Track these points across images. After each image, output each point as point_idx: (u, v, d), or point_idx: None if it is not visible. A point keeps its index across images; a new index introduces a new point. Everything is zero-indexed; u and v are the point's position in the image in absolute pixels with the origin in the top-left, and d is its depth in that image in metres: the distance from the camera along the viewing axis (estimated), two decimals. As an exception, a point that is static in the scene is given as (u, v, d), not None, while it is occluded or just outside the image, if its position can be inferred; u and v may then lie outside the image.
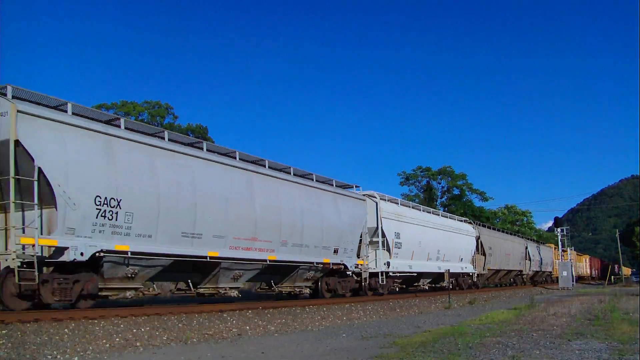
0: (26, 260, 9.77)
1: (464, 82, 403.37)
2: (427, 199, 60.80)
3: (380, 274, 20.75)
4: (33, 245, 9.82)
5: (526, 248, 43.51)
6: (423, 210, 26.62)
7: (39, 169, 10.02)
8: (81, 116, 11.41)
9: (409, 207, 25.36)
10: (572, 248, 54.24)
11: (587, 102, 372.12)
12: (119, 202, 11.28)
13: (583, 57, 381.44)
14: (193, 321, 11.04)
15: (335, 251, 18.14)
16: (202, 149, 14.16)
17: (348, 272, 19.22)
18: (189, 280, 14.27)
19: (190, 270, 13.91)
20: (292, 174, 17.12)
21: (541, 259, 47.85)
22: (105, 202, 11.05)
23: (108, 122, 11.92)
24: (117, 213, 11.24)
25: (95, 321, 9.88)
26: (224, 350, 8.25)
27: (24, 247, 9.80)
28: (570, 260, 45.71)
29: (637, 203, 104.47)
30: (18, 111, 9.87)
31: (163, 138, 13.12)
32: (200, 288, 14.39)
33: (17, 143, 9.84)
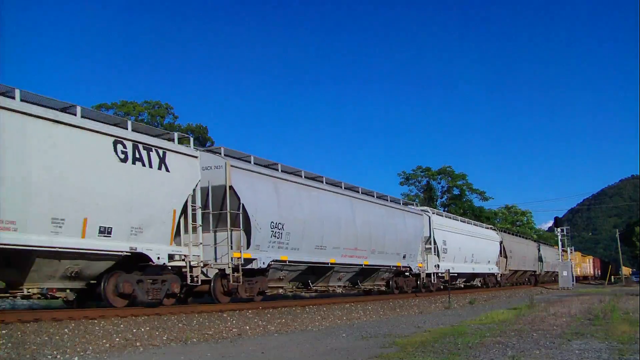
0: (232, 267, 13.91)
1: (464, 82, 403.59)
2: (427, 199, 60.82)
3: (432, 274, 25.61)
4: (238, 258, 14.07)
5: (539, 250, 47.59)
6: (460, 221, 31.80)
7: (242, 205, 14.27)
8: (258, 164, 16.18)
9: (451, 218, 30.46)
10: (573, 248, 54.37)
11: (587, 102, 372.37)
12: (283, 226, 15.66)
13: (583, 57, 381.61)
14: (193, 321, 11.04)
15: (404, 257, 22.85)
16: (322, 181, 18.76)
17: (408, 274, 24.01)
18: (309, 280, 18.37)
19: (311, 273, 18.08)
20: (375, 196, 22.01)
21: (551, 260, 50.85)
22: (275, 226, 15.43)
23: (268, 166, 16.59)
24: (281, 233, 15.64)
25: (95, 321, 9.89)
26: (224, 350, 8.26)
27: (232, 259, 13.99)
28: (570, 260, 45.75)
29: (637, 203, 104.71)
30: (231, 165, 14.28)
31: (300, 176, 17.67)
32: (315, 286, 18.82)
33: (230, 188, 14.11)
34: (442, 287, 26.58)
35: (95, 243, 10.70)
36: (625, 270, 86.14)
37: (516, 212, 75.80)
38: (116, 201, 11.19)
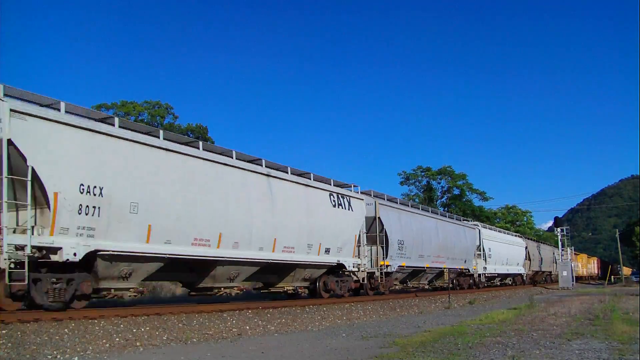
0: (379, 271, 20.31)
1: (464, 82, 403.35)
2: (427, 199, 60.80)
3: (479, 275, 33.00)
4: (382, 265, 20.96)
5: (553, 254, 53.83)
6: (498, 231, 40.19)
7: (385, 229, 21.37)
8: (390, 201, 23.58)
9: (494, 230, 39.28)
10: (573, 248, 54.55)
11: (587, 102, 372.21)
12: (403, 242, 22.52)
13: (583, 57, 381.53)
14: (193, 321, 11.04)
15: (465, 261, 30.15)
16: (418, 208, 26.77)
17: (465, 274, 31.18)
18: (407, 280, 25.19)
19: (412, 274, 24.83)
20: (447, 217, 30.18)
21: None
22: (400, 242, 22.22)
23: (392, 200, 23.70)
24: (402, 247, 22.32)
25: (95, 321, 9.89)
26: (224, 350, 8.25)
27: (380, 266, 21.02)
28: (570, 260, 45.79)
29: (637, 203, 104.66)
30: (379, 204, 21.46)
31: (407, 205, 25.83)
32: (409, 284, 25.82)
33: (378, 218, 21.27)
34: (485, 284, 34.34)
35: (324, 258, 17.48)
36: (626, 271, 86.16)
37: (516, 212, 75.74)
38: (332, 232, 17.79)
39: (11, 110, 9.42)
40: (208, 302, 15.55)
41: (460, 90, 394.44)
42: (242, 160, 14.84)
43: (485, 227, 36.15)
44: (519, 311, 15.35)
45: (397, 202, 24.43)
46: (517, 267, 41.09)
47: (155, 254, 11.72)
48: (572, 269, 42.91)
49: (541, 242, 53.80)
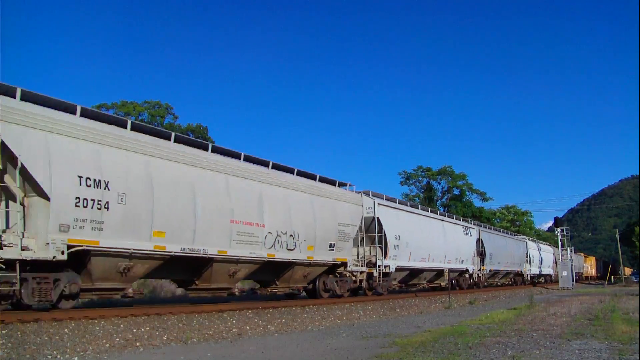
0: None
1: (464, 82, 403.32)
2: (427, 199, 60.81)
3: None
4: (380, 265, 21.08)
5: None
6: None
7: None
8: (389, 200, 23.69)
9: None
10: (573, 248, 54.58)
11: (587, 102, 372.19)
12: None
13: (583, 57, 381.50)
14: (193, 321, 11.04)
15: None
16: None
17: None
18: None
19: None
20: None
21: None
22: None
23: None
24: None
25: (95, 321, 9.89)
26: (224, 350, 8.25)
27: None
28: (570, 260, 45.74)
29: (637, 203, 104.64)
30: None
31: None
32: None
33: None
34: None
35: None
36: (626, 271, 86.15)
37: (516, 212, 75.71)
38: (466, 250, 27.72)
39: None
40: (208, 302, 15.55)
41: (460, 90, 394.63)
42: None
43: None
44: (519, 311, 15.35)
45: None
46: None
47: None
48: (572, 269, 42.92)
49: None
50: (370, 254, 21.21)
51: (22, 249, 9.58)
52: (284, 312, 13.93)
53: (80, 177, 10.46)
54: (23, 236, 9.72)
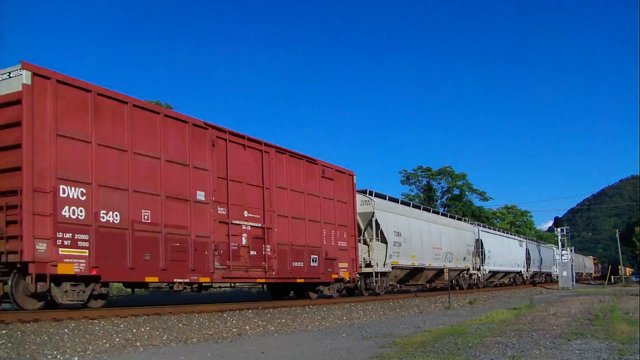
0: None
1: (465, 82, 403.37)
2: (427, 199, 60.82)
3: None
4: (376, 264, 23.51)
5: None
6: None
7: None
8: (391, 201, 26.16)
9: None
10: (573, 248, 54.59)
11: (587, 102, 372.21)
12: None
13: (583, 57, 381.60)
14: (193, 321, 11.04)
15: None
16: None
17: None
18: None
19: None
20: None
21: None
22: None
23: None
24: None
25: (95, 321, 9.89)
26: (224, 350, 8.26)
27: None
28: (570, 260, 45.75)
29: (637, 203, 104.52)
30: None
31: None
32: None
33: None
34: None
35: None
36: (627, 271, 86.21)
37: (516, 212, 75.73)
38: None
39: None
40: (208, 302, 15.55)
41: (460, 90, 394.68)
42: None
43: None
44: (519, 311, 15.35)
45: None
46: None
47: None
48: (572, 269, 42.92)
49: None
50: (474, 262, 32.72)
51: (367, 266, 20.70)
52: (284, 312, 13.93)
53: (395, 231, 22.44)
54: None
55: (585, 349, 7.73)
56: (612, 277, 63.51)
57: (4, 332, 8.22)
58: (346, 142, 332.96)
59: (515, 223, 73.45)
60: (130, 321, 10.25)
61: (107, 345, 8.24)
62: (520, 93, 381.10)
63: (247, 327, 11.05)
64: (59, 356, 7.34)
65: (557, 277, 50.40)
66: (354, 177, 19.79)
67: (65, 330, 8.81)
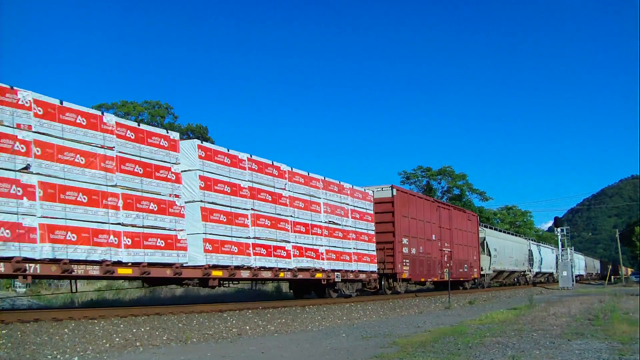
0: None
1: (465, 82, 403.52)
2: (426, 199, 60.78)
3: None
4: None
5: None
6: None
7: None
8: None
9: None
10: (573, 248, 54.70)
11: (587, 102, 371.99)
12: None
13: (583, 57, 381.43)
14: (193, 321, 11.04)
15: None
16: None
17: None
18: None
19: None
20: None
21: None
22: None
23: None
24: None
25: (95, 321, 9.89)
26: (224, 350, 8.26)
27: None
28: (570, 260, 45.83)
29: (637, 203, 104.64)
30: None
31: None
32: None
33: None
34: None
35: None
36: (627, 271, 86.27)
37: (516, 212, 75.77)
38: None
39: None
40: (208, 302, 15.56)
41: (460, 90, 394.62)
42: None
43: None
44: (519, 311, 15.35)
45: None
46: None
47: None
48: (572, 269, 42.98)
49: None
50: (527, 266, 43.08)
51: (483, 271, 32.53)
52: (284, 312, 13.93)
53: (494, 248, 34.46)
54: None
55: (586, 349, 7.73)
56: (612, 277, 63.56)
57: (4, 332, 8.22)
58: (346, 142, 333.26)
59: (515, 223, 73.46)
60: (130, 321, 10.26)
61: (107, 345, 8.25)
62: (520, 93, 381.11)
63: (247, 327, 11.05)
64: (59, 356, 7.34)
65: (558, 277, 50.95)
66: (477, 217, 33.82)
67: (65, 330, 8.81)
